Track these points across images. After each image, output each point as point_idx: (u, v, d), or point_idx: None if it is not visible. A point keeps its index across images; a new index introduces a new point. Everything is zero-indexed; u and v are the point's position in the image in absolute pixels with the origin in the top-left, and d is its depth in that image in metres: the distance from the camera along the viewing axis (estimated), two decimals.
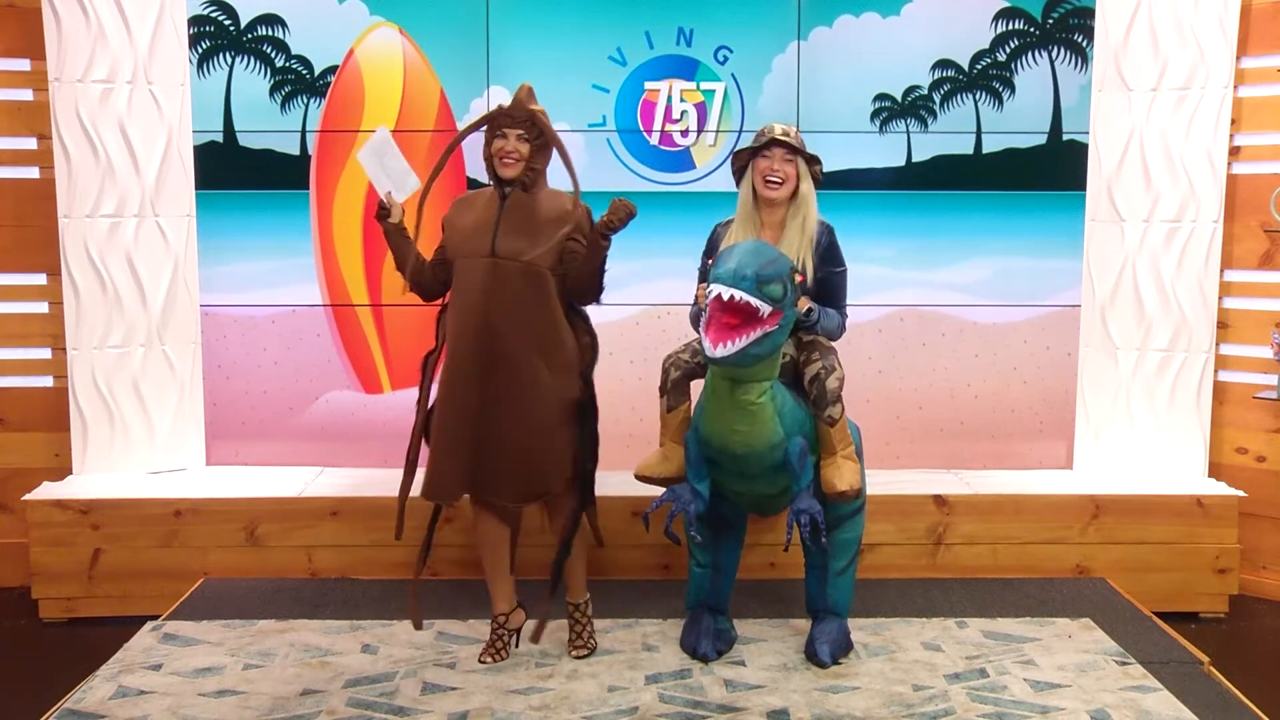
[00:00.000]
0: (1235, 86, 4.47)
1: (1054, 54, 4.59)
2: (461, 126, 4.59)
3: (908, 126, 4.62)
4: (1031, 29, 4.58)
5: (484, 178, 4.57)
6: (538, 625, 3.52)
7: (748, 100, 4.61)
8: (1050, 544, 4.33)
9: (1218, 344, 4.59)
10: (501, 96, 4.56)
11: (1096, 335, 4.72)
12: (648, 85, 4.61)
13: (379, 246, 4.66)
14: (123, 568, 4.20)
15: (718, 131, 4.62)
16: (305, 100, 4.58)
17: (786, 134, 3.45)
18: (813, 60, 4.57)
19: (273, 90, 4.57)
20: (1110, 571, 4.31)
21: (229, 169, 4.59)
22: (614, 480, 4.07)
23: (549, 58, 4.55)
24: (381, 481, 4.50)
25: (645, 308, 4.53)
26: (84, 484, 4.41)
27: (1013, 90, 4.61)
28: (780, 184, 3.44)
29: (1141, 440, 4.68)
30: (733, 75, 4.60)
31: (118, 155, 4.44)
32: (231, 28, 4.54)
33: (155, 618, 3.88)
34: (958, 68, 4.60)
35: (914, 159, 4.63)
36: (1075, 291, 4.71)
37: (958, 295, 4.70)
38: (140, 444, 4.60)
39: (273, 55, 4.55)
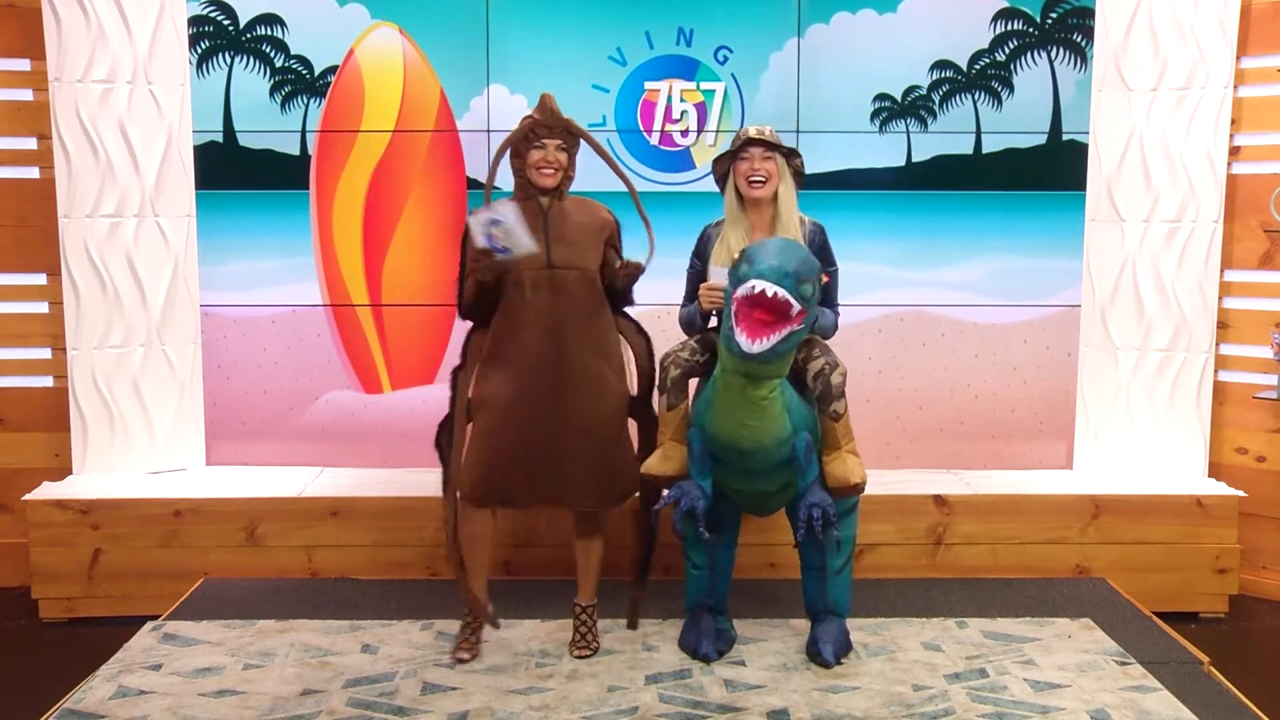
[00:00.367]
0: (1235, 86, 4.47)
1: (1053, 54, 4.59)
2: (461, 125, 4.60)
3: (907, 126, 4.62)
4: (1031, 29, 4.58)
5: (484, 178, 4.59)
6: (630, 610, 3.68)
7: (747, 99, 4.61)
8: (1050, 544, 4.33)
9: (1218, 344, 4.59)
10: (501, 96, 4.58)
11: (1096, 335, 4.72)
12: (648, 85, 4.61)
13: (379, 246, 4.66)
14: (123, 568, 4.20)
15: (718, 131, 4.62)
16: (305, 100, 4.58)
17: (761, 133, 3.48)
18: (812, 59, 4.57)
19: (272, 90, 4.57)
20: (1110, 571, 4.31)
21: (229, 169, 4.59)
22: None
23: (549, 58, 4.56)
24: (381, 481, 4.51)
25: (645, 308, 4.50)
26: (84, 484, 4.41)
27: (1012, 90, 4.61)
28: (763, 182, 3.47)
29: (1141, 440, 4.68)
30: (733, 75, 4.60)
31: (118, 155, 4.44)
32: (231, 28, 4.54)
33: (155, 618, 3.88)
34: (957, 68, 4.60)
35: (914, 159, 4.63)
36: (1075, 291, 4.71)
37: (958, 295, 4.70)
38: (140, 444, 4.60)
39: (272, 55, 4.56)
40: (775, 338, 3.02)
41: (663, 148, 4.63)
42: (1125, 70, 4.57)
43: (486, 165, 4.57)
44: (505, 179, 3.57)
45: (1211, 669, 3.54)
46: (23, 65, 4.49)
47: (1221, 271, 4.55)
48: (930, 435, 4.75)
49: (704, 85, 4.61)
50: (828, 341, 3.55)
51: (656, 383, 3.54)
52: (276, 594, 4.10)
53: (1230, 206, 4.53)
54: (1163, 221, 4.58)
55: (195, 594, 4.10)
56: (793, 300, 3.00)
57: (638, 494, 3.61)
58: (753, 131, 3.48)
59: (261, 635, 3.73)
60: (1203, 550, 4.30)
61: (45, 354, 4.60)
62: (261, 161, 4.59)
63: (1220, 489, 4.41)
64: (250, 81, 4.56)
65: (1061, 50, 4.59)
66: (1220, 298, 4.57)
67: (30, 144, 4.51)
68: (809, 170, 3.61)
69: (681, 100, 4.62)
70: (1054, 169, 4.64)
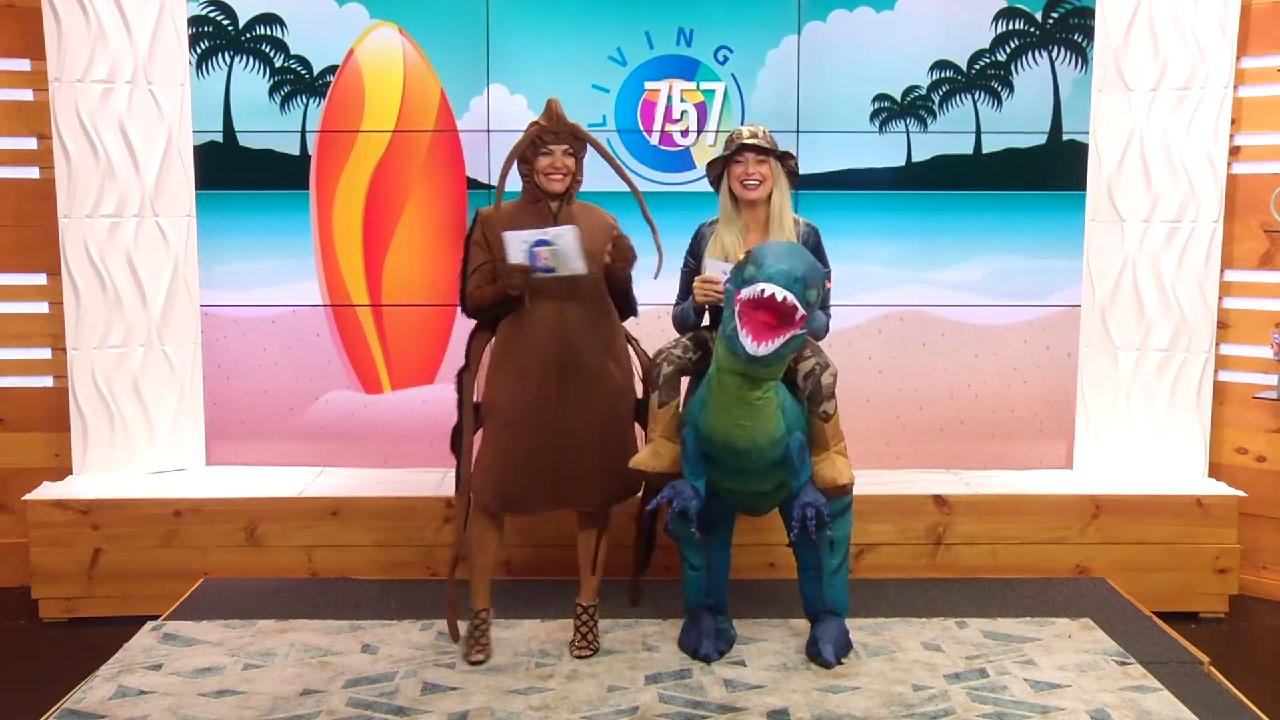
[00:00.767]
0: (1235, 86, 4.47)
1: (1054, 54, 4.59)
2: (461, 125, 4.60)
3: (907, 126, 4.62)
4: (1032, 29, 4.58)
5: (484, 177, 4.60)
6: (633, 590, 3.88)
7: (747, 99, 4.61)
8: (1050, 544, 4.33)
9: (1218, 344, 4.59)
10: (501, 96, 4.58)
11: (1096, 335, 4.72)
12: (648, 85, 4.61)
13: (379, 246, 4.66)
14: (123, 568, 4.20)
15: (718, 131, 4.62)
16: (304, 100, 4.58)
17: (755, 135, 3.48)
18: (812, 59, 4.57)
19: (272, 90, 4.57)
20: (1110, 571, 4.31)
21: (229, 169, 4.59)
22: None
23: (549, 58, 4.56)
24: (381, 481, 4.51)
25: (645, 308, 4.51)
26: (84, 484, 4.41)
27: (1012, 90, 4.61)
28: (758, 184, 3.47)
29: (1141, 440, 4.68)
30: (733, 75, 4.60)
31: (118, 155, 4.44)
32: (230, 28, 4.54)
33: (155, 618, 3.88)
34: (956, 68, 4.60)
35: (914, 159, 4.63)
36: (1075, 291, 4.71)
37: (957, 295, 4.70)
38: (140, 444, 4.60)
39: (272, 55, 4.56)
40: (779, 341, 3.03)
41: (663, 148, 4.63)
42: (1125, 70, 4.57)
43: (486, 165, 4.58)
44: (510, 181, 3.57)
45: (1211, 669, 3.54)
46: (23, 65, 4.49)
47: (1221, 271, 4.55)
48: (930, 435, 4.75)
49: (704, 85, 4.61)
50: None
51: (649, 379, 3.54)
52: (276, 594, 4.10)
53: (1230, 206, 4.53)
54: (1163, 221, 4.58)
55: (195, 594, 4.10)
56: (799, 305, 3.01)
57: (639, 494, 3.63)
58: (745, 134, 3.48)
59: (261, 635, 3.73)
60: (1203, 550, 4.30)
61: (45, 354, 4.60)
62: (261, 161, 4.59)
63: (1220, 489, 4.41)
64: (250, 81, 4.56)
65: (1062, 50, 4.59)
66: (1220, 298, 4.57)
67: (30, 144, 4.51)
68: (809, 170, 3.62)
69: (681, 100, 4.62)
70: (1054, 169, 4.64)
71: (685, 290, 3.61)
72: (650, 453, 3.48)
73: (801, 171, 4.08)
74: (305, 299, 4.67)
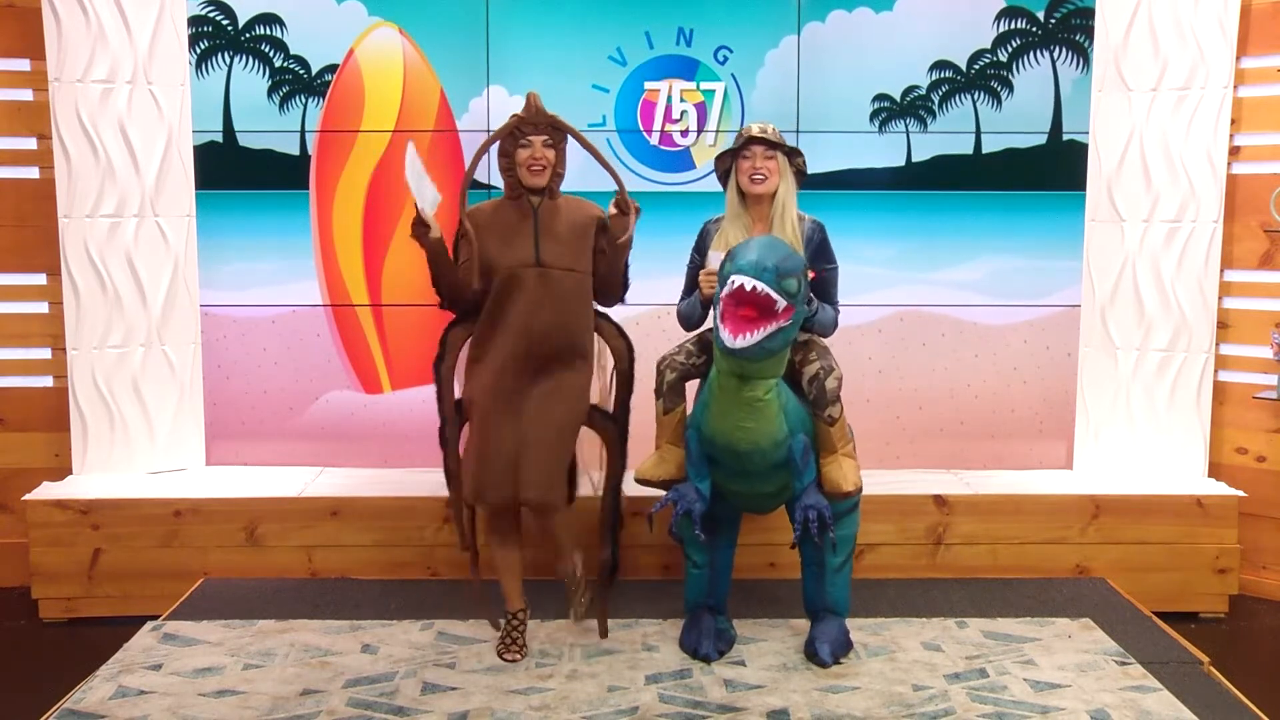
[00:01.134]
0: (1235, 86, 4.47)
1: (1055, 54, 4.59)
2: (461, 125, 4.60)
3: (907, 126, 4.62)
4: (1034, 28, 4.58)
5: (484, 178, 4.59)
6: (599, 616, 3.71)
7: (747, 99, 4.61)
8: (1050, 544, 4.33)
9: (1218, 344, 4.58)
10: (501, 96, 4.58)
11: (1096, 335, 4.72)
12: (648, 85, 4.61)
13: (379, 246, 4.66)
14: (123, 568, 4.20)
15: (718, 131, 4.62)
16: (304, 100, 4.58)
17: (764, 130, 3.48)
18: (811, 59, 4.57)
19: (271, 90, 4.57)
20: (1110, 571, 4.31)
21: (229, 169, 4.59)
22: None
23: (549, 58, 4.56)
24: (381, 481, 4.51)
25: (645, 308, 4.53)
26: (84, 484, 4.41)
27: (1012, 90, 4.61)
28: (764, 179, 3.48)
29: (1141, 440, 4.68)
30: (733, 75, 4.60)
31: (118, 155, 4.44)
32: (230, 28, 4.54)
33: (155, 618, 3.88)
34: (956, 68, 4.60)
35: (914, 159, 4.63)
36: (1075, 291, 4.71)
37: (957, 295, 4.70)
38: (140, 444, 4.60)
39: (271, 55, 4.56)
40: (760, 334, 3.01)
41: (663, 148, 4.63)
42: (1125, 70, 4.57)
43: (487, 165, 4.56)
44: (496, 180, 3.57)
45: (1211, 669, 3.54)
46: (23, 65, 4.49)
47: (1221, 271, 4.55)
48: (930, 435, 4.75)
49: (704, 85, 4.61)
50: (828, 340, 3.55)
51: (654, 386, 3.54)
52: (276, 594, 4.10)
53: (1230, 206, 4.53)
54: (1163, 221, 4.58)
55: (195, 594, 4.10)
56: (775, 295, 2.99)
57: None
58: (755, 129, 3.49)
59: (261, 635, 3.73)
60: (1203, 550, 4.30)
61: (45, 354, 4.60)
62: (261, 161, 4.59)
63: (1220, 489, 4.41)
64: (250, 81, 4.56)
65: (1064, 50, 4.59)
66: (1220, 298, 4.56)
67: (30, 144, 4.51)
68: (808, 170, 3.62)
69: (681, 100, 4.61)
70: (1054, 169, 4.64)
71: (690, 286, 3.61)
72: (656, 460, 3.48)
73: None
74: (305, 299, 4.67)
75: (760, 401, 3.15)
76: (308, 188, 4.62)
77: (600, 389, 3.60)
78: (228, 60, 4.56)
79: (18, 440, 4.62)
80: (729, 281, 3.01)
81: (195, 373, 4.68)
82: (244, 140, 4.59)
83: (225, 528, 4.24)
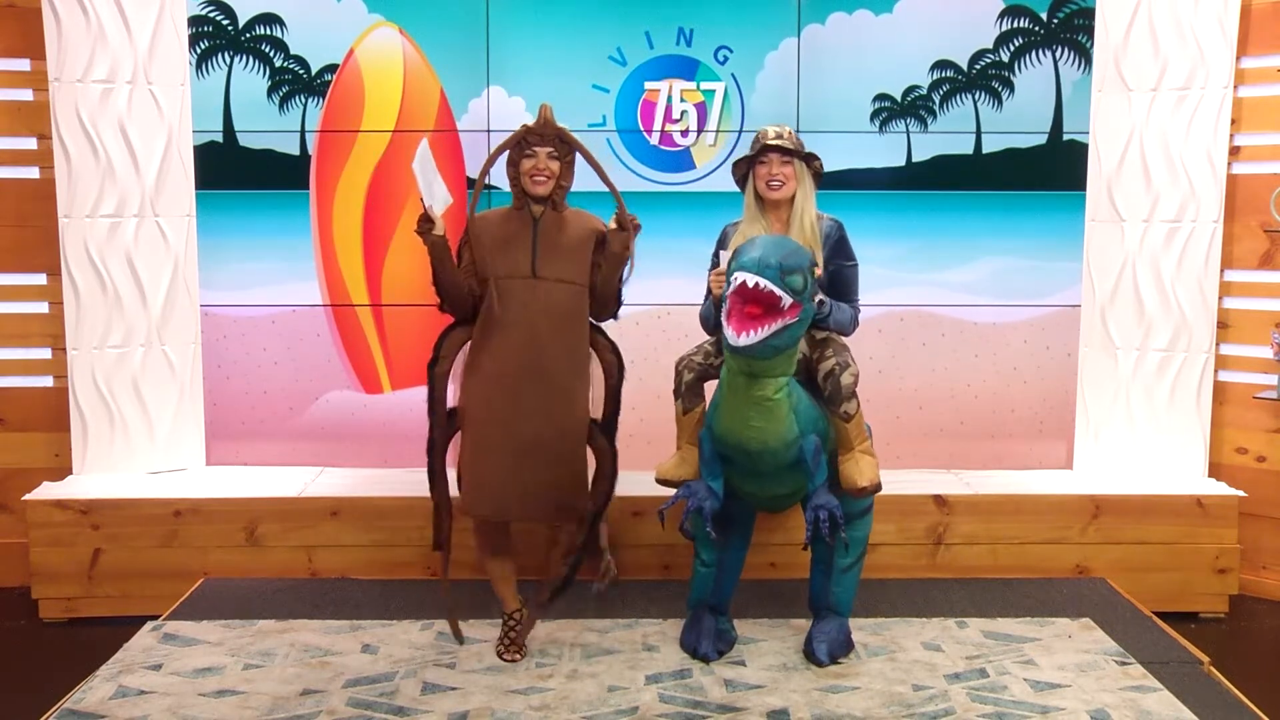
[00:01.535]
0: (1235, 86, 4.47)
1: (1057, 54, 4.59)
2: (461, 125, 4.60)
3: (907, 126, 4.62)
4: (1036, 28, 4.58)
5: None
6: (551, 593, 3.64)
7: (747, 99, 4.61)
8: (1050, 544, 4.33)
9: (1218, 344, 4.59)
10: (501, 96, 4.58)
11: (1096, 335, 4.72)
12: (648, 85, 4.61)
13: (379, 246, 4.66)
14: (123, 568, 4.20)
15: (718, 131, 4.62)
16: (304, 100, 4.58)
17: (780, 136, 3.48)
18: (812, 59, 4.57)
19: (271, 90, 4.57)
20: (1110, 571, 4.31)
21: (229, 169, 4.59)
22: None
23: (549, 58, 4.56)
24: (381, 481, 4.51)
25: (645, 308, 4.53)
26: (84, 484, 4.41)
27: (1013, 90, 4.61)
28: (781, 185, 3.47)
29: (1141, 440, 4.68)
30: (733, 75, 4.60)
31: (118, 155, 4.44)
32: (230, 28, 4.54)
33: (155, 618, 3.88)
34: (957, 68, 4.60)
35: (914, 159, 4.63)
36: (1075, 291, 4.71)
37: (958, 295, 4.70)
38: (140, 444, 4.60)
39: (271, 55, 4.56)
40: (764, 331, 3.00)
41: (663, 148, 4.63)
42: (1125, 70, 4.57)
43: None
44: (504, 182, 3.57)
45: (1211, 669, 3.54)
46: (23, 65, 4.49)
47: (1221, 271, 4.55)
48: (930, 435, 4.75)
49: (704, 85, 4.61)
50: (848, 339, 3.55)
51: (673, 387, 3.53)
52: (276, 594, 4.10)
53: (1230, 206, 4.53)
54: (1163, 221, 4.58)
55: (195, 594, 4.10)
56: (778, 291, 2.98)
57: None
58: (771, 135, 3.48)
59: (261, 635, 3.73)
60: (1203, 550, 4.30)
61: (45, 354, 4.60)
62: (261, 161, 4.59)
63: (1220, 489, 4.41)
64: (249, 81, 4.56)
65: (1066, 50, 4.59)
66: (1220, 298, 4.57)
67: (30, 144, 4.51)
68: None
69: (681, 100, 4.61)
70: (1054, 169, 4.64)
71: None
72: (677, 460, 3.48)
73: None
74: (305, 299, 4.67)
75: (770, 401, 3.14)
76: (308, 188, 4.62)
77: (592, 400, 3.58)
78: (228, 60, 4.56)
79: (18, 440, 4.62)
80: (733, 278, 3.01)
81: (195, 373, 4.68)
82: (244, 140, 4.59)
83: (225, 528, 4.24)
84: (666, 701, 3.26)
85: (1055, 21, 4.58)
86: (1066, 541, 4.32)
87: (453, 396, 3.53)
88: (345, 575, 4.28)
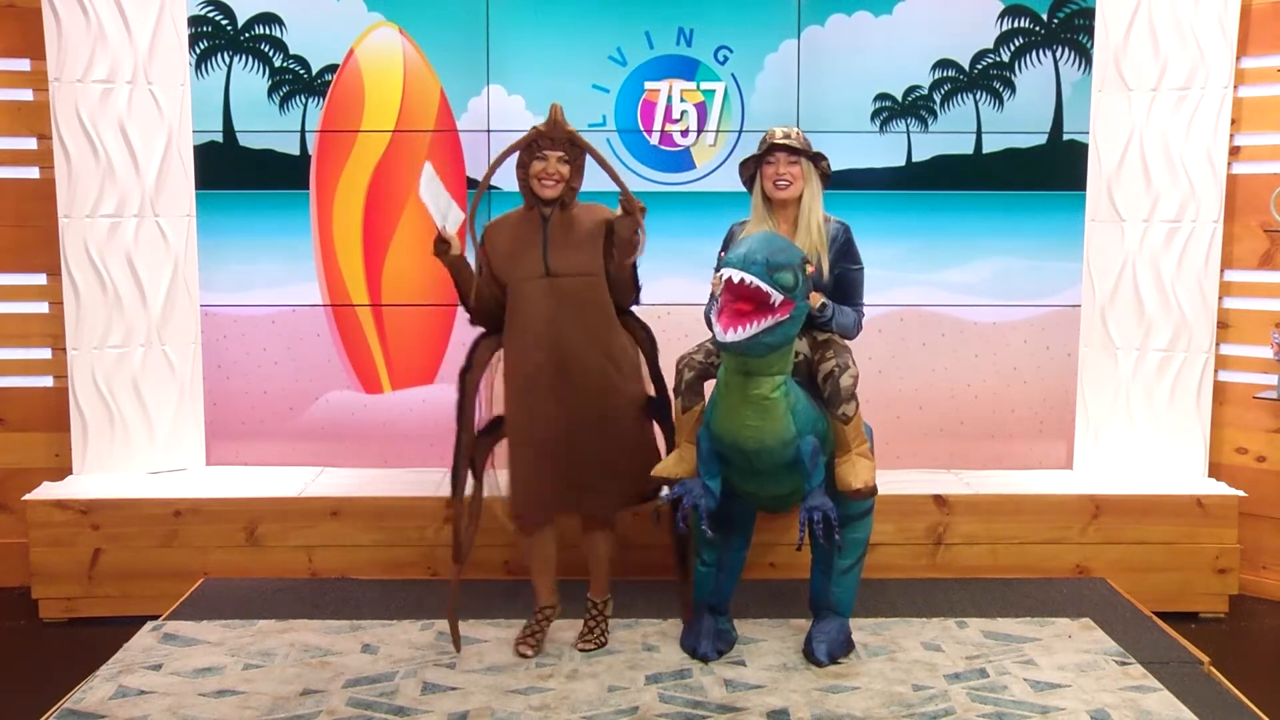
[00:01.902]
0: (1235, 86, 4.47)
1: (1058, 54, 4.59)
2: (461, 125, 4.60)
3: (908, 126, 4.62)
4: (1037, 28, 4.58)
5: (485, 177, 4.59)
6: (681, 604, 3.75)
7: (747, 99, 4.61)
8: (1050, 544, 4.33)
9: (1218, 344, 4.59)
10: (500, 95, 4.58)
11: (1096, 335, 4.72)
12: (648, 85, 4.61)
13: (379, 246, 4.66)
14: (123, 568, 4.20)
15: (718, 131, 4.62)
16: (304, 100, 4.58)
17: (788, 136, 3.48)
18: (812, 59, 4.57)
19: (271, 90, 4.57)
20: (1110, 571, 4.31)
21: (229, 169, 4.59)
22: None
23: (549, 58, 4.55)
24: (381, 481, 4.51)
25: (645, 308, 4.51)
26: (84, 484, 4.41)
27: (1014, 90, 4.61)
28: (789, 184, 3.47)
29: (1141, 440, 4.68)
30: (733, 75, 4.60)
31: (118, 155, 4.44)
32: (229, 27, 4.54)
33: (155, 618, 3.87)
34: (958, 67, 4.60)
35: (914, 159, 4.63)
36: (1075, 291, 4.71)
37: (958, 295, 4.70)
38: (140, 444, 4.60)
39: (271, 55, 4.56)
40: (754, 328, 2.98)
41: (663, 148, 4.63)
42: (1125, 70, 4.57)
43: (487, 165, 4.57)
44: (511, 184, 3.57)
45: (1211, 669, 3.54)
46: (23, 65, 4.49)
47: (1221, 271, 4.55)
48: (930, 435, 4.75)
49: (704, 85, 4.61)
50: (851, 342, 3.54)
51: (671, 385, 3.54)
52: (276, 594, 4.10)
53: (1230, 206, 4.53)
54: (1163, 221, 4.58)
55: (195, 594, 4.10)
56: (765, 287, 2.97)
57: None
58: (779, 135, 3.48)
59: (261, 635, 3.73)
60: (1203, 550, 4.30)
61: (45, 354, 4.60)
62: (261, 161, 4.59)
63: (1220, 489, 4.41)
64: (249, 81, 4.56)
65: (1066, 50, 4.59)
66: (1220, 298, 4.57)
67: (30, 144, 4.51)
68: None
69: (681, 100, 4.61)
70: (1054, 169, 4.64)
71: None
72: (675, 459, 3.48)
73: None
74: (305, 299, 4.67)
75: (767, 400, 3.14)
76: (308, 188, 4.62)
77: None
78: (227, 60, 4.56)
79: (18, 440, 4.62)
80: (721, 274, 3.01)
81: (195, 373, 4.68)
82: (244, 140, 4.59)
83: (225, 528, 4.24)
84: (666, 701, 3.26)
85: (1055, 21, 4.58)
86: (1066, 541, 4.32)
87: (482, 406, 3.55)
88: (345, 575, 4.28)
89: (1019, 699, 3.29)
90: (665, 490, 3.40)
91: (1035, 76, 4.60)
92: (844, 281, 3.53)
